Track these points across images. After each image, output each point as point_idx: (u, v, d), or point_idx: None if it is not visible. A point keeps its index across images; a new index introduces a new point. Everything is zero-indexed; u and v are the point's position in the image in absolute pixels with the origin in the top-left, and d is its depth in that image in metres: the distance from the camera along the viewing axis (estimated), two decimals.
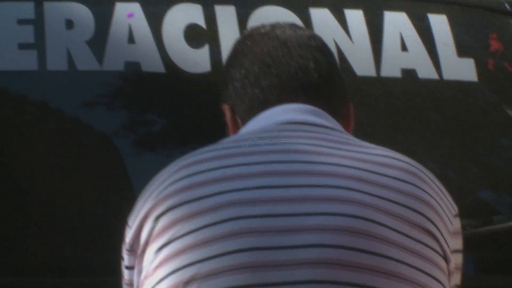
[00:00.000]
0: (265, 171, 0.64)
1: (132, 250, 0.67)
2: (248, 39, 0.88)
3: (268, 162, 0.65)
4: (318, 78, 0.78)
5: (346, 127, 0.79)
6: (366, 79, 1.42)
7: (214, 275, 0.58)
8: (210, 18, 1.42)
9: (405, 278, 0.58)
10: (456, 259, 0.66)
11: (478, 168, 1.53)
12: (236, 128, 0.81)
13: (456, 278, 0.68)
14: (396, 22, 1.45)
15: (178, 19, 1.42)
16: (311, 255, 0.57)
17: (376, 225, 0.59)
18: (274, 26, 0.89)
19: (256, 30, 0.90)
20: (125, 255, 0.70)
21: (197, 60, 1.40)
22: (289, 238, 0.58)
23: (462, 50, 1.47)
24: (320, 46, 0.84)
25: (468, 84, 1.47)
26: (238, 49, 0.87)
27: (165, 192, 0.64)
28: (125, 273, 0.72)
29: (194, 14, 1.43)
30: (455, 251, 0.66)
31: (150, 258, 0.62)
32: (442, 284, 0.61)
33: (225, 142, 0.75)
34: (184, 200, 0.62)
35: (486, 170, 1.52)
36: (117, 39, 1.40)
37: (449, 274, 0.65)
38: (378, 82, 1.43)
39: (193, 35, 1.42)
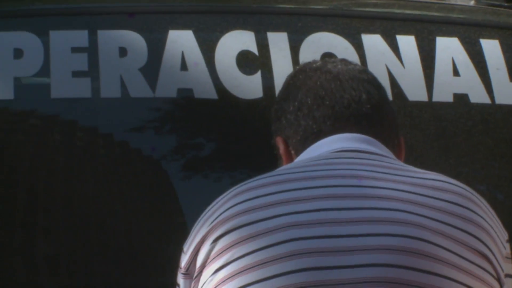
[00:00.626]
0: (322, 195, 0.65)
1: (188, 273, 0.68)
2: (301, 73, 0.89)
3: (324, 187, 0.66)
4: (370, 109, 0.79)
5: (397, 156, 0.80)
6: (418, 104, 1.42)
7: None
8: (262, 44, 1.42)
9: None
10: (508, 284, 0.66)
11: None
12: (290, 159, 0.82)
13: None
14: (448, 48, 1.45)
15: (230, 45, 1.43)
16: (371, 274, 0.59)
17: (432, 246, 0.60)
18: (326, 61, 0.92)
19: (308, 65, 0.91)
20: (180, 279, 0.71)
21: (249, 86, 1.41)
22: (348, 258, 0.59)
23: None
24: (371, 80, 0.86)
25: None
26: (291, 83, 0.88)
27: (223, 216, 0.65)
28: None
29: (246, 41, 1.44)
30: (508, 275, 0.66)
31: (206, 279, 0.63)
32: None
33: (281, 169, 0.77)
34: (242, 223, 0.63)
35: None
36: (169, 66, 1.41)
37: None
38: (430, 107, 1.43)
39: (246, 61, 1.43)
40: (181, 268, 0.72)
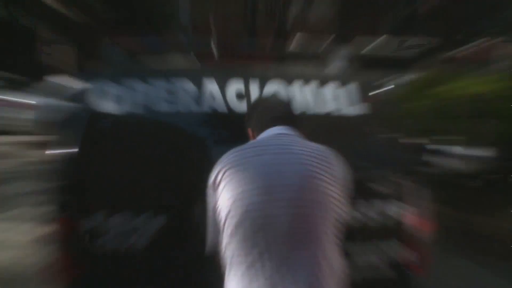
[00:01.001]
0: (270, 152, 1.85)
1: (214, 185, 1.89)
2: (259, 101, 2.27)
3: (271, 149, 1.86)
4: (288, 115, 2.09)
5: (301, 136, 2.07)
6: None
7: (244, 199, 1.81)
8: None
9: (325, 192, 1.82)
10: (347, 189, 1.94)
11: None
12: (253, 138, 2.06)
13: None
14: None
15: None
16: (293, 183, 1.80)
17: (318, 174, 1.79)
18: (268, 96, 2.61)
19: (262, 98, 2.47)
20: (210, 189, 1.93)
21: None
22: (283, 178, 1.79)
23: None
24: (287, 103, 2.21)
25: None
26: (254, 104, 2.23)
27: (226, 161, 1.87)
28: (210, 203, 1.93)
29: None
30: (344, 185, 1.93)
31: (220, 189, 1.84)
32: (337, 207, 1.90)
33: (251, 142, 2.00)
34: (234, 164, 1.84)
35: None
36: None
37: (344, 194, 1.93)
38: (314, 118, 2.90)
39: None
40: (210, 183, 1.91)
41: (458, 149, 6.01)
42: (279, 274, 1.79)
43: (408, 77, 8.22)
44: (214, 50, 2.04)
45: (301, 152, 1.88)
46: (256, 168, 1.84)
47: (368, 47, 12.98)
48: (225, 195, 1.87)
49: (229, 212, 1.84)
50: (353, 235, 2.67)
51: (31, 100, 10.53)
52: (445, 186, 5.77)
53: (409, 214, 2.76)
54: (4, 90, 11.21)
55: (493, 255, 4.80)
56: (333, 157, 1.93)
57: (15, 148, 10.49)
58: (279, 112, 2.11)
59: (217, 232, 1.94)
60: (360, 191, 2.51)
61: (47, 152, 2.64)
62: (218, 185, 1.89)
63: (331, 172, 1.87)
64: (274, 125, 2.04)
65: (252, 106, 2.26)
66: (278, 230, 1.80)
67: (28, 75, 12.28)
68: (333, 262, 1.90)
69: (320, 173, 1.85)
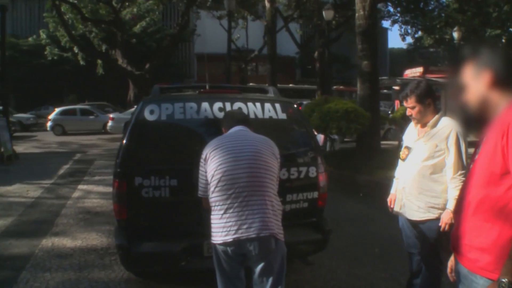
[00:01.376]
0: (234, 140, 3.16)
1: (204, 159, 3.11)
2: (228, 112, 3.78)
3: (235, 138, 3.19)
4: (246, 119, 3.48)
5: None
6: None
7: (221, 165, 2.99)
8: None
9: (269, 165, 3.08)
10: (279, 161, 3.22)
11: None
12: (225, 133, 3.37)
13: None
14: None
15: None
16: (249, 156, 3.03)
17: (263, 154, 3.08)
18: (235, 110, 4.04)
19: (230, 110, 3.99)
20: (201, 161, 3.12)
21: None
22: (241, 156, 3.03)
23: None
24: (245, 114, 3.81)
25: None
26: (226, 113, 3.67)
27: (211, 145, 3.14)
28: (202, 169, 3.11)
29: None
30: (277, 158, 3.21)
31: (208, 162, 3.07)
32: (275, 170, 3.13)
33: (225, 134, 3.32)
34: (216, 147, 3.10)
35: None
36: None
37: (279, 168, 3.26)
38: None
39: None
40: (202, 159, 3.11)
41: (337, 136, 11.62)
42: (244, 213, 2.84)
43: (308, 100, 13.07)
44: (207, 87, 4.18)
45: (253, 139, 3.11)
46: (228, 149, 2.99)
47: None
48: (211, 166, 2.97)
49: (213, 176, 2.93)
50: (290, 189, 4.07)
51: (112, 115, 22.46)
52: (335, 156, 10.43)
53: (319, 174, 4.19)
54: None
55: (366, 196, 8.40)
56: (271, 142, 3.16)
57: (103, 141, 20.36)
58: (240, 118, 3.33)
59: (205, 186, 3.03)
60: (292, 162, 4.15)
61: (119, 143, 4.22)
62: (207, 160, 3.02)
63: (270, 150, 3.07)
64: (237, 125, 3.23)
65: (225, 115, 3.56)
66: (241, 184, 2.87)
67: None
68: (274, 205, 2.98)
69: (264, 150, 3.03)
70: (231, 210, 2.85)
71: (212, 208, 2.96)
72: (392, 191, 3.78)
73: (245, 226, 2.80)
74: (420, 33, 34.56)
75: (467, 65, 2.01)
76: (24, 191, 9.09)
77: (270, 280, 2.94)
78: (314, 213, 4.25)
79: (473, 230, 1.95)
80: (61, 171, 11.69)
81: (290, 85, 34.92)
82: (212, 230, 2.93)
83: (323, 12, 19.94)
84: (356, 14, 11.26)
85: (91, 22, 25.20)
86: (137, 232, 3.76)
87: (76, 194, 8.87)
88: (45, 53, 29.61)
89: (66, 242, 5.77)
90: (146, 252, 3.64)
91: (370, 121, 10.43)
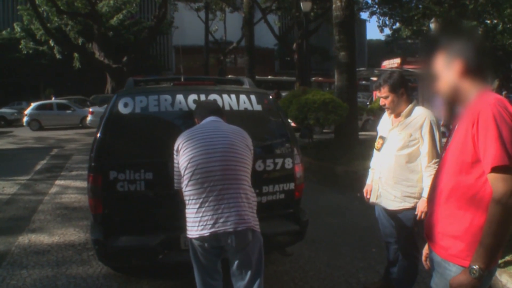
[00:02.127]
0: (208, 131, 3.08)
1: (177, 150, 3.05)
2: (200, 102, 3.83)
3: (208, 129, 3.10)
4: (219, 109, 3.39)
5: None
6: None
7: (194, 158, 2.93)
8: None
9: (242, 157, 3.02)
10: (252, 152, 3.15)
11: None
12: (198, 124, 3.29)
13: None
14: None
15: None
16: (222, 148, 2.96)
17: (237, 146, 3.02)
18: (207, 100, 4.00)
19: (202, 101, 3.94)
20: (174, 152, 3.07)
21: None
22: (214, 148, 2.96)
23: None
24: (218, 104, 3.76)
25: None
26: (199, 103, 3.59)
27: (183, 137, 3.07)
28: (175, 160, 3.06)
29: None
30: (251, 150, 3.13)
31: (180, 153, 3.01)
32: (249, 162, 3.06)
33: (197, 126, 3.24)
34: (188, 139, 3.03)
35: None
36: None
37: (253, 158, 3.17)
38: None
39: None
40: (175, 150, 3.06)
41: (315, 128, 11.65)
42: (220, 207, 2.82)
43: (286, 92, 12.95)
44: (182, 79, 4.15)
45: (226, 130, 3.05)
46: (200, 140, 2.94)
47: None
48: (183, 158, 2.93)
49: (186, 168, 2.89)
50: (266, 180, 4.06)
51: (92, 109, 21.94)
52: (313, 147, 10.50)
53: (295, 165, 4.18)
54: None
55: (344, 186, 8.44)
56: (245, 133, 3.11)
57: (80, 136, 19.98)
58: (212, 108, 3.28)
59: (180, 178, 2.98)
60: (268, 153, 4.11)
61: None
62: (179, 151, 2.99)
63: (244, 142, 3.03)
64: (210, 116, 3.19)
65: (197, 105, 3.46)
66: (216, 178, 2.84)
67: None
68: (249, 197, 2.96)
69: (237, 142, 2.99)
70: (206, 204, 2.83)
71: (187, 202, 2.92)
72: (368, 181, 3.84)
73: (221, 220, 2.79)
74: (398, 24, 34.91)
75: (438, 55, 2.04)
76: (0, 187, 8.95)
77: (249, 272, 2.94)
78: (291, 204, 4.25)
79: (445, 218, 1.99)
80: (38, 167, 11.52)
81: (269, 76, 34.91)
82: (188, 224, 2.90)
83: (301, 4, 19.91)
84: (333, 5, 11.28)
85: (66, 15, 24.84)
86: (113, 227, 3.72)
87: (53, 189, 8.76)
88: (20, 47, 29.06)
89: (43, 239, 5.69)
90: (123, 247, 3.60)
91: (348, 112, 10.50)
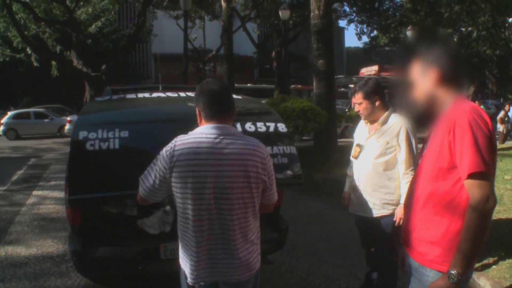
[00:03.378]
0: (206, 159, 2.15)
1: (170, 169, 2.15)
2: (202, 83, 2.33)
3: (207, 158, 2.14)
4: (226, 109, 2.26)
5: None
6: None
7: (184, 177, 2.15)
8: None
9: (237, 186, 2.18)
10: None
11: None
12: (200, 120, 2.30)
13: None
14: None
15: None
16: (212, 175, 2.15)
17: (229, 171, 2.17)
18: (210, 80, 2.35)
19: (205, 81, 2.35)
20: (162, 160, 2.19)
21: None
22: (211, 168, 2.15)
23: None
24: (226, 102, 2.29)
25: None
26: (200, 91, 2.28)
27: (183, 157, 2.15)
28: (159, 171, 2.20)
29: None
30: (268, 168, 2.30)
31: (174, 175, 2.18)
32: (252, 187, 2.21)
33: (194, 131, 2.25)
34: (186, 164, 2.14)
35: None
36: None
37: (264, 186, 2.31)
38: None
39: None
40: (164, 162, 2.17)
41: (294, 135, 11.90)
42: (215, 239, 2.21)
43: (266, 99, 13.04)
44: (160, 87, 4.27)
45: (228, 159, 2.17)
46: (200, 171, 2.16)
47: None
48: (178, 184, 2.18)
49: (182, 200, 2.20)
50: None
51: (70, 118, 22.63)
52: None
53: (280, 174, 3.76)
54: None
55: (323, 193, 8.46)
56: (254, 151, 2.23)
57: (58, 145, 19.95)
58: (216, 108, 2.23)
59: (153, 187, 2.26)
60: None
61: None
62: (171, 169, 2.18)
63: (252, 166, 2.21)
64: (213, 120, 2.22)
65: (198, 91, 2.31)
66: (210, 211, 2.17)
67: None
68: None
69: (238, 173, 2.18)
70: (203, 241, 2.25)
71: (180, 234, 2.35)
72: (346, 189, 3.87)
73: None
74: (375, 32, 35.46)
75: (414, 62, 2.06)
76: None
77: None
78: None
79: (422, 224, 2.01)
80: (14, 177, 11.31)
81: (249, 84, 35.04)
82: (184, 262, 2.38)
83: (279, 12, 20.10)
84: (311, 14, 11.41)
85: (44, 22, 24.51)
86: (92, 237, 3.66)
87: (30, 200, 8.62)
88: None
89: (20, 251, 5.59)
90: (102, 257, 3.55)
91: (326, 119, 10.60)
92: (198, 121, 2.33)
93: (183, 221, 2.27)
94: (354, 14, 33.60)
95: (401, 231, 2.22)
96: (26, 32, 23.75)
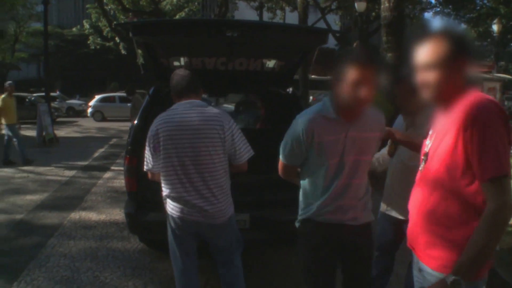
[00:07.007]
0: (179, 117, 3.00)
1: (157, 144, 2.99)
2: (176, 72, 3.21)
3: (181, 114, 3.01)
4: (193, 86, 3.12)
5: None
6: None
7: (169, 149, 2.98)
8: None
9: (213, 144, 2.98)
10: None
11: None
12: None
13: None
14: None
15: None
16: (190, 136, 2.96)
17: (206, 145, 2.96)
18: (180, 70, 3.23)
19: (177, 70, 3.23)
20: (151, 143, 3.03)
21: None
22: (190, 135, 2.96)
23: None
24: (193, 77, 3.16)
25: None
26: (173, 76, 3.18)
27: (163, 132, 2.97)
28: (150, 149, 3.05)
29: None
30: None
31: (161, 148, 3.00)
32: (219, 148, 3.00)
33: (173, 108, 3.09)
34: (168, 138, 2.97)
35: None
36: None
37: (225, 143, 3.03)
38: None
39: None
40: (152, 140, 3.02)
41: None
42: (195, 187, 2.99)
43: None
44: None
45: (198, 128, 2.94)
46: (175, 130, 2.93)
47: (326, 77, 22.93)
48: (163, 147, 2.94)
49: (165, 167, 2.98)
50: None
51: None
52: None
53: None
54: None
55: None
56: (218, 118, 2.96)
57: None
58: (185, 85, 3.08)
59: (153, 161, 3.03)
60: None
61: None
62: (158, 145, 2.96)
63: (215, 132, 2.94)
64: (184, 96, 3.07)
65: (172, 76, 3.18)
66: (190, 164, 2.94)
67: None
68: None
69: (208, 137, 2.93)
70: (183, 186, 3.01)
71: (163, 183, 3.12)
72: None
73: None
74: (462, 25, 33.87)
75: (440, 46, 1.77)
76: (61, 170, 9.85)
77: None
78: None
79: (430, 227, 1.88)
80: (96, 154, 12.50)
81: (329, 76, 34.67)
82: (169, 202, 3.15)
83: (355, 4, 19.94)
84: (382, 6, 11.35)
85: (131, 13, 25.96)
86: (144, 203, 4.14)
87: (107, 175, 9.51)
88: (88, 42, 30.61)
89: (91, 216, 6.35)
90: (150, 221, 4.04)
91: (392, 113, 10.43)
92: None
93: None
94: (439, 6, 32.26)
95: (408, 233, 2.06)
96: (114, 22, 25.35)
